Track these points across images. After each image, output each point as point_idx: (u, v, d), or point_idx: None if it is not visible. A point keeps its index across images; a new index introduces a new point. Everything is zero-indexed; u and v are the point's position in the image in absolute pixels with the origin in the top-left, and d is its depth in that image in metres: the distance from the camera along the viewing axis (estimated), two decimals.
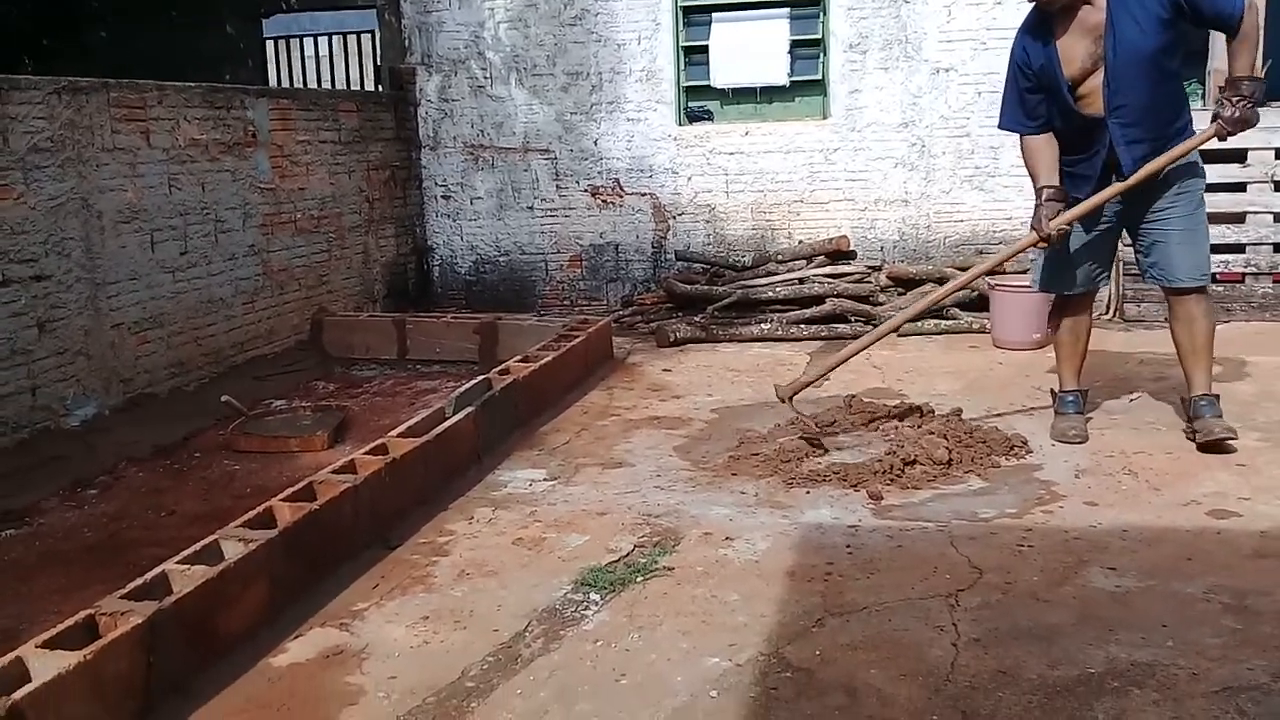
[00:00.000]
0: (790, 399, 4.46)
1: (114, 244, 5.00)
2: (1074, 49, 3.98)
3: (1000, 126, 4.34)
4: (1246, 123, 3.90)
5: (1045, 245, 4.18)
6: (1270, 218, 6.46)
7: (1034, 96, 4.12)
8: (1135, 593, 3.00)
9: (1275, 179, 6.43)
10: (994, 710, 2.43)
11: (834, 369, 4.62)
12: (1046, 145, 4.17)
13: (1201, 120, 4.07)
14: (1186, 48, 4.04)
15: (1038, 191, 4.16)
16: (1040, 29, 4.04)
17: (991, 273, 4.60)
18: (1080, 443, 4.28)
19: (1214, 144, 4.05)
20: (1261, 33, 3.90)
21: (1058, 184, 4.14)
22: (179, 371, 5.43)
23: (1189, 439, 4.17)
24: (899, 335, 6.43)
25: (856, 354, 4.60)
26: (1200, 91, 6.72)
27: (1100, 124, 4.02)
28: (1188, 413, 4.24)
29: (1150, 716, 2.38)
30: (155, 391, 5.26)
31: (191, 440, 4.87)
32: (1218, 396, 4.18)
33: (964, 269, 6.65)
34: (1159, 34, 3.86)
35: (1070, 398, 4.45)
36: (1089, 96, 4.02)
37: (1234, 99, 3.86)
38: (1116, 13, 3.89)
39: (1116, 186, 4.05)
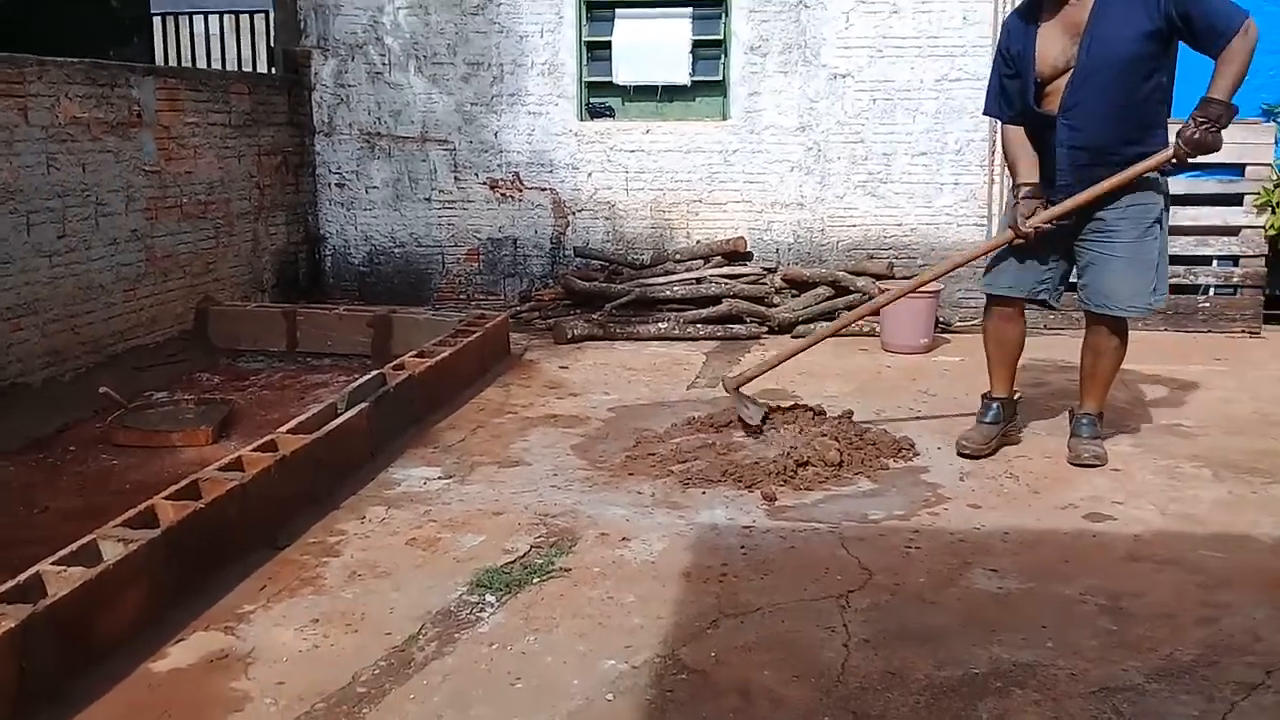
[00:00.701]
0: (736, 390, 4.57)
1: None
2: (1053, 44, 3.87)
3: (984, 112, 4.29)
4: (1206, 147, 3.73)
5: (1022, 241, 4.03)
6: None
7: (1013, 84, 4.03)
8: (1016, 594, 3.10)
9: None
10: (884, 711, 2.49)
11: (783, 362, 4.74)
12: (1025, 138, 4.08)
13: None
14: (1169, 73, 3.90)
15: (1016, 187, 4.08)
16: (1029, 15, 3.94)
17: (948, 272, 4.70)
18: (972, 457, 4.19)
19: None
20: (1249, 60, 3.68)
21: (1037, 181, 4.03)
22: (54, 360, 5.20)
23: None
24: (791, 338, 6.55)
25: (810, 347, 4.82)
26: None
27: (1054, 123, 3.93)
28: (1070, 424, 4.35)
29: (1031, 716, 2.46)
30: (28, 381, 5.02)
31: (67, 433, 4.68)
32: (1100, 415, 4.25)
33: (856, 273, 6.83)
34: (1140, 43, 3.73)
35: (994, 405, 4.33)
36: (1052, 96, 3.92)
37: (1199, 119, 3.71)
38: (1100, 13, 3.77)
39: (1079, 197, 3.92)
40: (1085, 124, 3.88)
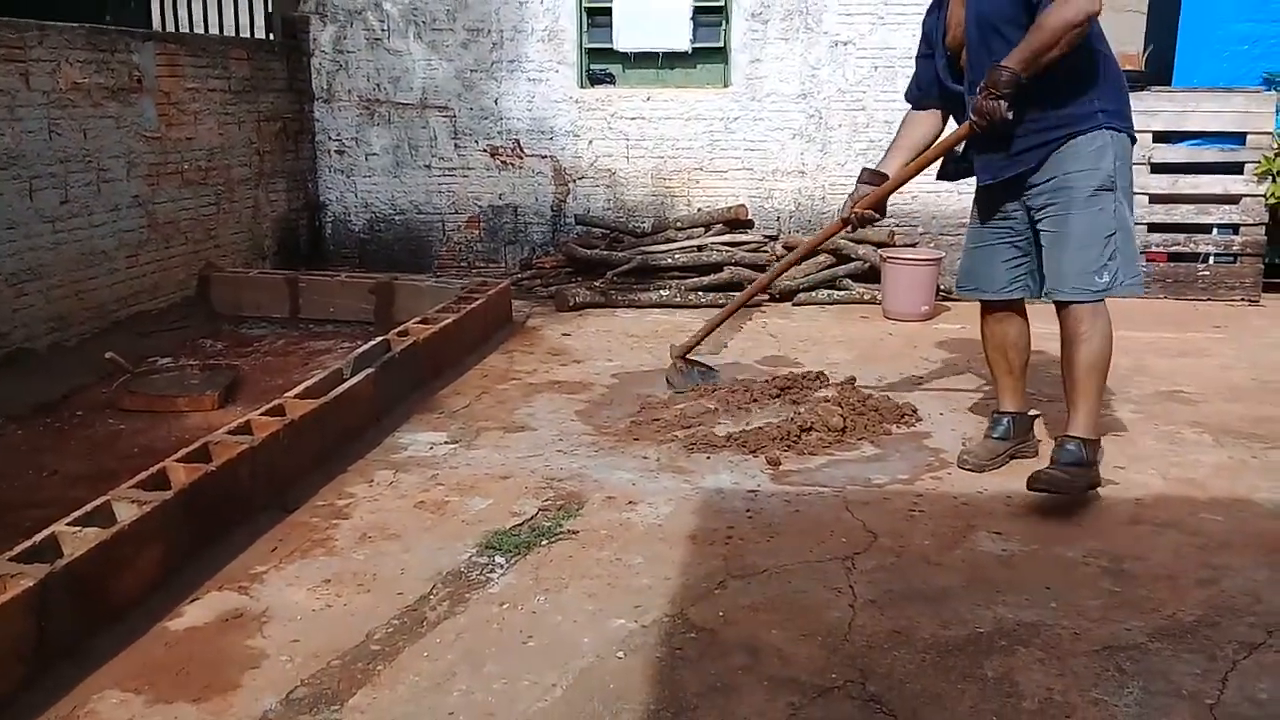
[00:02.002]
0: (683, 357, 4.82)
1: None
2: (956, 12, 3.59)
3: (905, 97, 4.00)
4: (984, 113, 3.37)
5: (848, 229, 4.03)
6: (1145, 198, 6.74)
7: (924, 64, 3.81)
8: (1020, 556, 3.14)
9: (1151, 161, 6.72)
10: (890, 669, 2.53)
11: (714, 329, 4.94)
12: (914, 123, 3.88)
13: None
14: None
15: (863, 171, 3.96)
16: None
17: (811, 254, 4.83)
18: (974, 471, 3.77)
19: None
20: (1061, 47, 3.28)
21: (886, 169, 3.87)
22: (59, 326, 5.20)
23: None
24: (793, 305, 6.58)
25: (732, 314, 4.98)
26: None
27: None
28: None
29: (1036, 674, 2.50)
30: (33, 347, 5.03)
31: (73, 398, 4.69)
32: (1084, 442, 3.49)
33: (857, 241, 6.83)
34: (1015, 2, 3.39)
35: (1003, 420, 3.87)
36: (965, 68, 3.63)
37: (985, 88, 3.37)
38: None
39: (910, 167, 3.78)
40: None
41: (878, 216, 3.96)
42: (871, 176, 3.92)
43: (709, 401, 4.53)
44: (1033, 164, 3.53)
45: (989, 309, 3.86)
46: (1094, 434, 3.54)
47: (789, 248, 6.97)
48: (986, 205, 3.77)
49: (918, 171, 3.84)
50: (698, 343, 4.93)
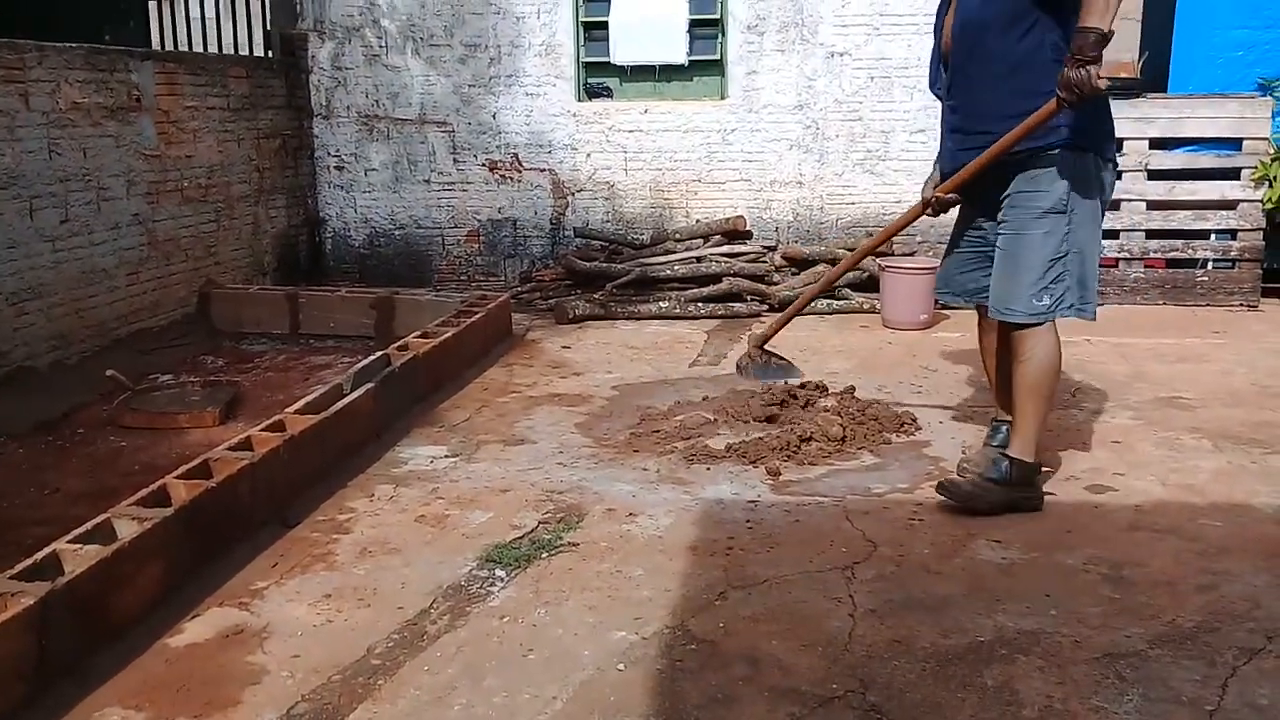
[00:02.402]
0: (760, 346, 4.47)
1: None
2: (951, 17, 3.52)
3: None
4: (1074, 85, 3.09)
5: (931, 213, 3.72)
6: (1143, 205, 6.76)
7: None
8: (1020, 564, 3.14)
9: (1148, 168, 6.73)
10: (890, 678, 2.53)
11: (797, 314, 4.55)
12: None
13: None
14: (1059, 29, 3.28)
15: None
16: None
17: (889, 240, 4.54)
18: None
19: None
20: None
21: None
22: (60, 344, 5.22)
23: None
24: None
25: (816, 297, 4.59)
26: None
27: None
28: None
29: (1036, 682, 2.50)
30: (35, 365, 5.05)
31: (74, 415, 4.70)
32: (1014, 461, 3.47)
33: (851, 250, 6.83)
34: (999, 2, 3.31)
35: (1002, 427, 3.72)
36: None
37: (1069, 57, 3.12)
38: None
39: (975, 162, 3.45)
40: (961, 101, 3.51)
41: (959, 199, 3.69)
42: None
43: (707, 412, 4.54)
44: (977, 158, 3.42)
45: (985, 317, 3.78)
46: (1028, 455, 3.48)
47: (788, 258, 6.99)
48: (963, 214, 3.78)
49: (1002, 152, 3.37)
50: (778, 329, 4.54)
